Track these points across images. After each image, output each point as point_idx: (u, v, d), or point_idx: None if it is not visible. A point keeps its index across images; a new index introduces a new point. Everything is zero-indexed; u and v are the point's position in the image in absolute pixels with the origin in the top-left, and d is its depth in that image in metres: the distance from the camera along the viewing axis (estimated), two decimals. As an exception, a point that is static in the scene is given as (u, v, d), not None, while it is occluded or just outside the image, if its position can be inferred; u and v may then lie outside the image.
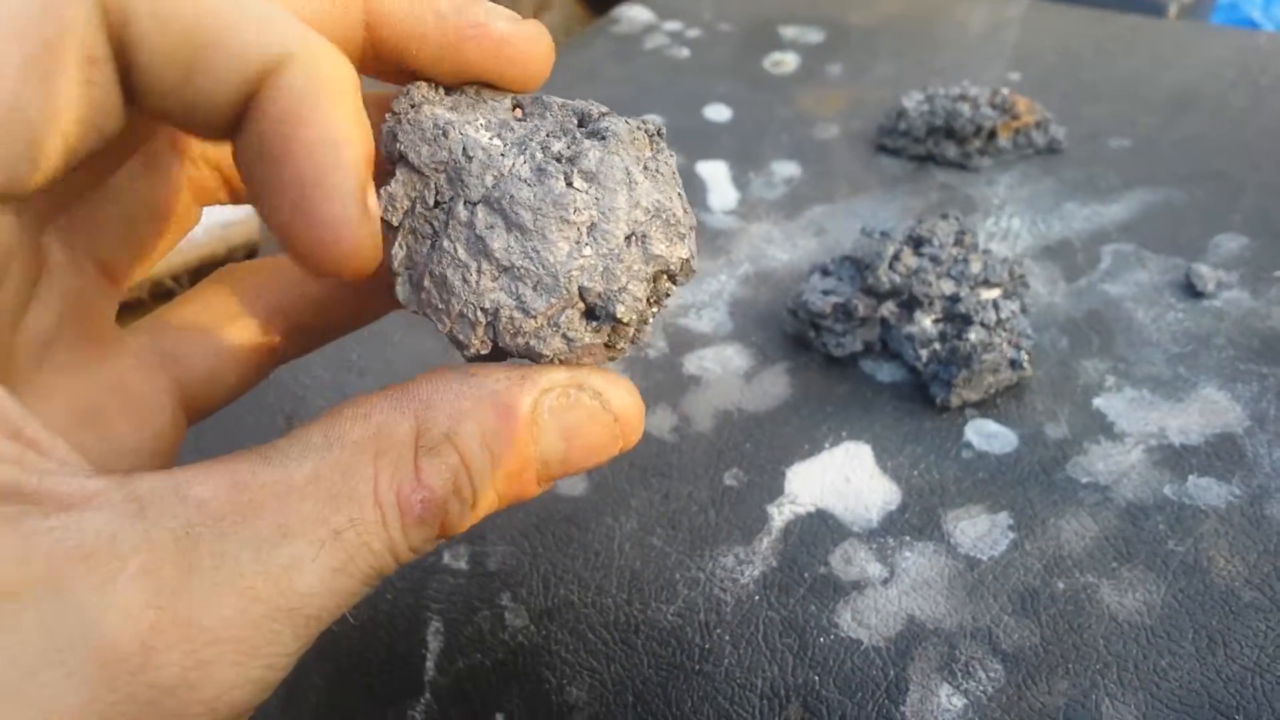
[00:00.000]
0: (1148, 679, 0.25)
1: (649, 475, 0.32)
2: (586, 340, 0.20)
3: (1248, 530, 0.28)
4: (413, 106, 0.20)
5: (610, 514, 0.31)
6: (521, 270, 0.19)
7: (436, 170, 0.19)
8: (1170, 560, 0.27)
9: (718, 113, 0.49)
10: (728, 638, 0.27)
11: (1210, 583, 0.27)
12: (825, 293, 0.35)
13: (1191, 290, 0.37)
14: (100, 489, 0.16)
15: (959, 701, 0.25)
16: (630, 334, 0.20)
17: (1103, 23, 0.55)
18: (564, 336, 0.19)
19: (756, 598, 0.28)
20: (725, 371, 0.35)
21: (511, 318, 0.19)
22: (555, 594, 0.29)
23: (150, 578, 0.15)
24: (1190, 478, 0.29)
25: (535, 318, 0.19)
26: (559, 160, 0.19)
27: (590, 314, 0.19)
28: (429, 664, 0.29)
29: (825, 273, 0.36)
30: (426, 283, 0.19)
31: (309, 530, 0.17)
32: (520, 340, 0.19)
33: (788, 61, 0.53)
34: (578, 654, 0.28)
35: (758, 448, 0.32)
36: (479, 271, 0.19)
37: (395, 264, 0.20)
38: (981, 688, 0.25)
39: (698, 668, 0.27)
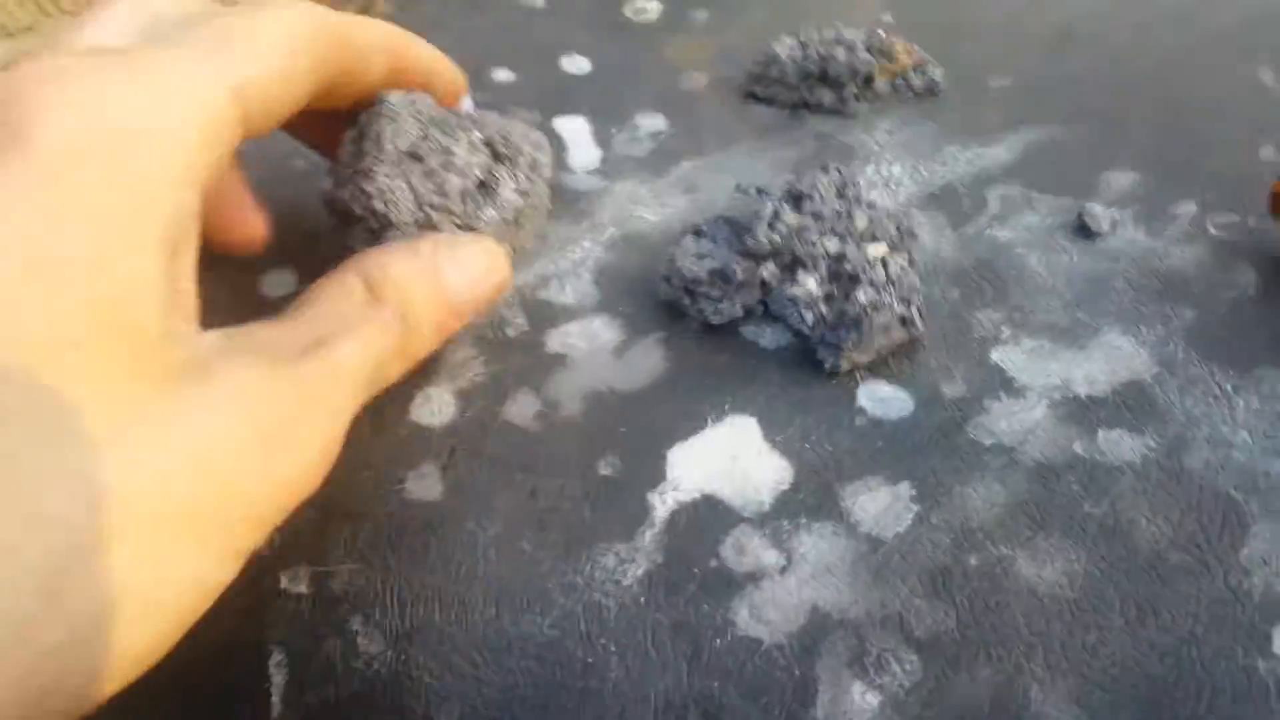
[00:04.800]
0: (1077, 658, 0.22)
1: (513, 470, 0.28)
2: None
3: (1167, 485, 0.26)
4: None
5: (471, 518, 0.27)
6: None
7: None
8: (1088, 524, 0.25)
9: (576, 65, 0.45)
10: (613, 648, 0.24)
11: (1134, 546, 0.24)
12: (700, 257, 0.32)
13: (1085, 231, 0.35)
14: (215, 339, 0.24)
15: (874, 699, 0.23)
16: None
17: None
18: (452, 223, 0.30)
19: (642, 600, 0.25)
20: (593, 347, 0.32)
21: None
22: (414, 613, 0.25)
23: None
24: (1100, 431, 0.27)
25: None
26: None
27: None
28: (275, 700, 0.25)
29: (699, 234, 0.33)
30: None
31: (334, 337, 0.25)
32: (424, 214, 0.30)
33: (650, 9, 0.49)
34: (444, 679, 0.24)
35: (634, 430, 0.29)
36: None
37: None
38: (898, 682, 0.23)
39: (581, 685, 0.24)
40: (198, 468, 0.21)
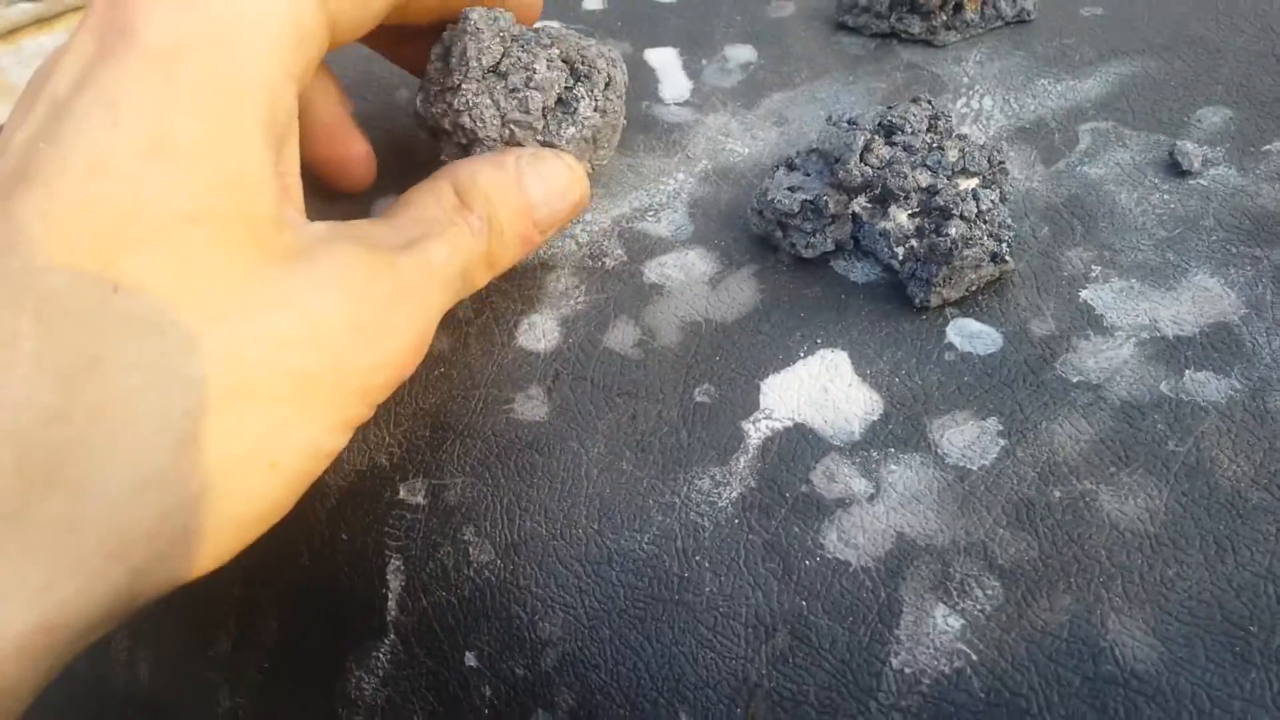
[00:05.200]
0: (1154, 591, 0.24)
1: (614, 395, 0.30)
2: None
3: (1251, 427, 0.26)
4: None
5: (575, 439, 0.29)
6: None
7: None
8: (1171, 462, 0.26)
9: (665, -6, 0.46)
10: (707, 565, 0.26)
11: (1215, 485, 0.25)
12: (791, 189, 0.33)
13: (1176, 169, 0.35)
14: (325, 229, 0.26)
15: (956, 622, 0.24)
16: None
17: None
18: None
19: (736, 521, 0.26)
20: (689, 279, 0.33)
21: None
22: (521, 526, 0.27)
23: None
24: (1187, 372, 0.28)
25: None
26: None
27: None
28: (391, 604, 0.27)
29: (791, 168, 0.34)
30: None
31: (426, 237, 0.27)
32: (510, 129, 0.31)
33: (737, -64, 0.49)
34: (548, 588, 0.26)
35: (728, 360, 0.30)
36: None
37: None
38: (979, 606, 0.24)
39: (677, 598, 0.25)
40: (309, 340, 0.23)
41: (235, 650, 0.30)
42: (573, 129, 0.32)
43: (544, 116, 0.32)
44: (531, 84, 0.31)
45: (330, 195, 0.36)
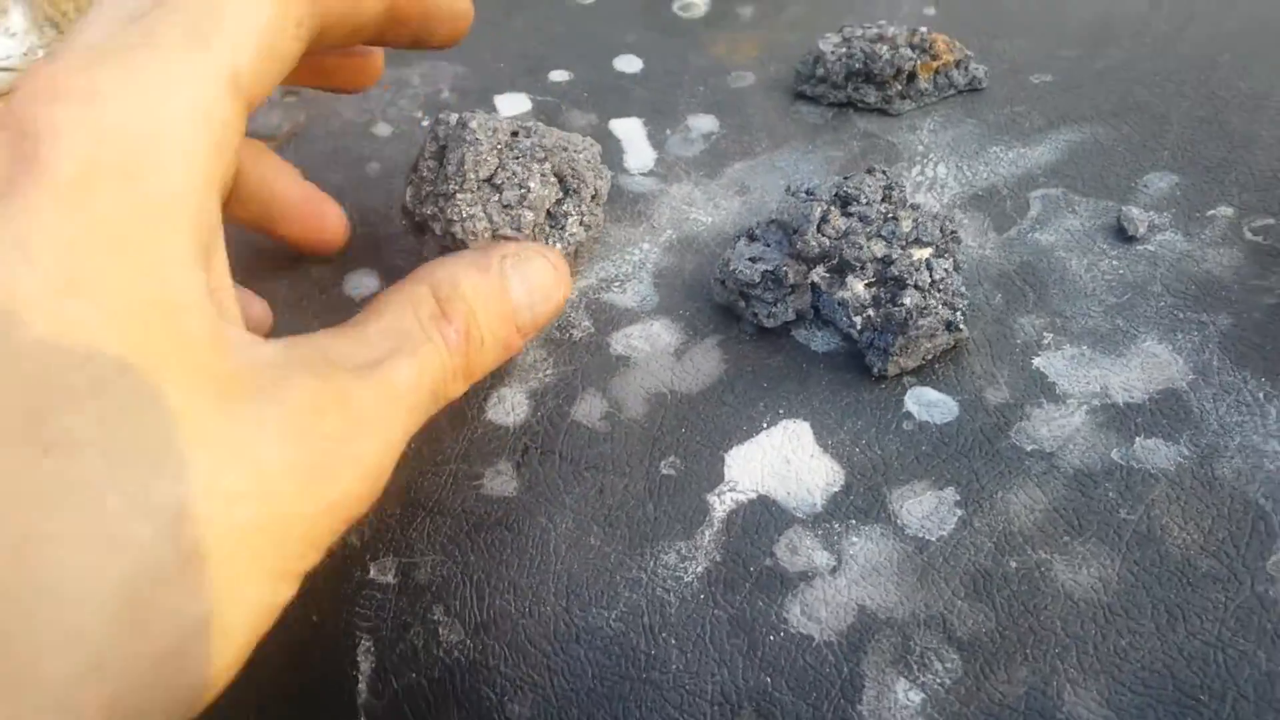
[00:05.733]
0: (1109, 661, 0.24)
1: (582, 469, 0.30)
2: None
3: (1200, 494, 0.27)
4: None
5: (544, 514, 0.29)
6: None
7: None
8: (1123, 530, 0.27)
9: (629, 64, 0.47)
10: (674, 641, 0.26)
11: (1165, 553, 0.26)
12: (753, 260, 0.33)
13: (1124, 234, 0.36)
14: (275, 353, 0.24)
15: (916, 696, 0.24)
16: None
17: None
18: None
19: (702, 596, 0.27)
20: (655, 349, 0.33)
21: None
22: (490, 605, 0.28)
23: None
24: (1137, 439, 0.29)
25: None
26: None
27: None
28: (361, 686, 0.28)
29: (752, 238, 0.34)
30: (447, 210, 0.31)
31: (394, 356, 0.25)
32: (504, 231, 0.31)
33: (698, 4, 0.51)
34: (518, 668, 0.26)
35: (693, 432, 0.31)
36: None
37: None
38: (939, 680, 0.25)
39: (644, 675, 0.26)
40: (257, 490, 0.21)
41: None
42: (559, 245, 0.32)
43: (534, 233, 0.32)
44: (525, 202, 0.31)
45: (301, 262, 0.36)
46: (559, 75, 0.46)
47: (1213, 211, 0.36)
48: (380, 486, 0.25)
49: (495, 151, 0.32)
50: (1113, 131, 0.41)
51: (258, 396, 0.22)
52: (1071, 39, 0.46)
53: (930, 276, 0.32)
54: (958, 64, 0.43)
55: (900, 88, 0.43)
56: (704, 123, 0.43)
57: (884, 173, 0.35)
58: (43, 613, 0.18)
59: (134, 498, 0.19)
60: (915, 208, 0.34)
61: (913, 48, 0.43)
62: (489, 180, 0.31)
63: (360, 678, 0.28)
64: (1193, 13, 0.48)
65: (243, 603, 0.21)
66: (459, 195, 0.31)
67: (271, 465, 0.21)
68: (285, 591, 0.23)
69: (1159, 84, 0.43)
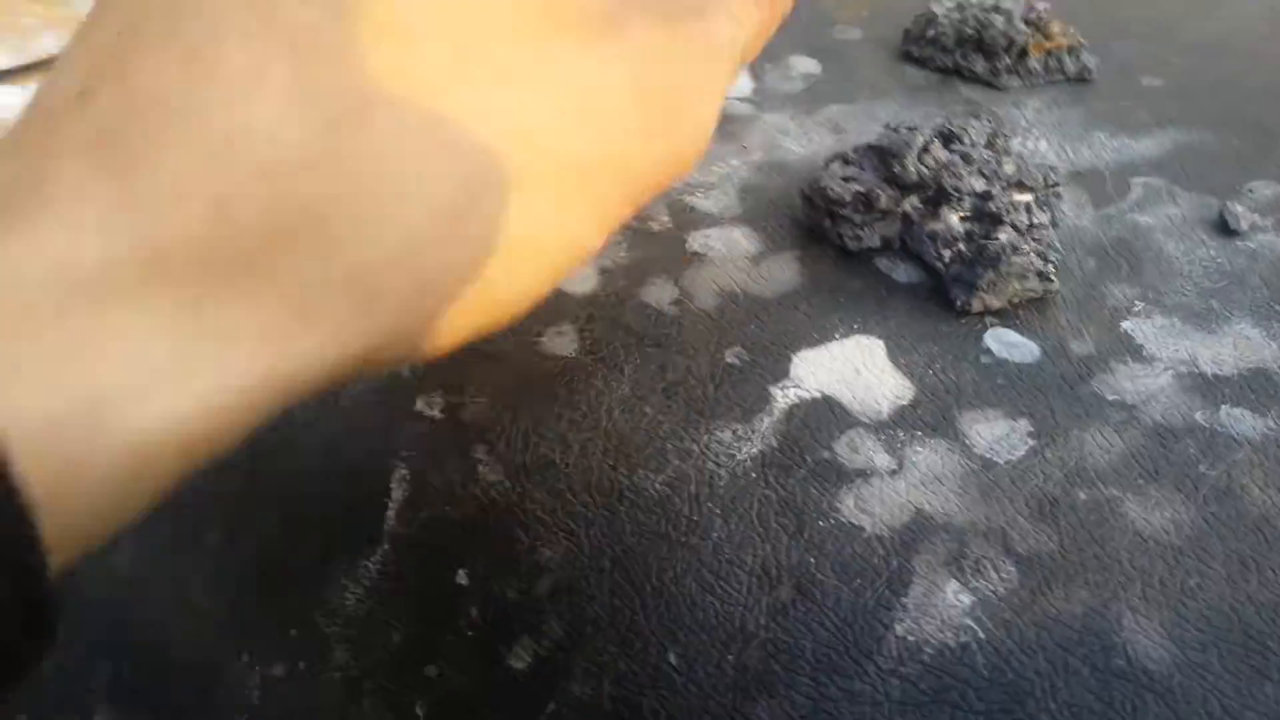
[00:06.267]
0: (1174, 596, 0.23)
1: (645, 343, 0.29)
2: None
3: (1285, 461, 0.26)
4: None
5: (600, 377, 0.28)
6: None
7: None
8: (1201, 483, 0.25)
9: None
10: (719, 512, 0.25)
11: (1243, 509, 0.25)
12: (845, 180, 0.33)
13: (1224, 229, 0.35)
14: None
15: (966, 599, 0.23)
16: None
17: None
18: None
19: (753, 475, 0.26)
20: (731, 252, 0.33)
21: None
22: (535, 451, 0.27)
23: None
24: (1224, 407, 0.28)
25: None
26: None
27: None
28: (390, 513, 0.27)
29: (846, 161, 0.34)
30: None
31: (713, 8, 0.24)
32: None
33: (811, -37, 0.50)
34: (555, 515, 0.25)
35: (763, 330, 0.30)
36: None
37: None
38: (992, 587, 0.23)
39: (684, 539, 0.25)
40: (596, 128, 0.21)
41: (222, 545, 0.29)
42: None
43: None
44: None
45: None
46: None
47: (1317, 224, 0.35)
48: (704, 143, 0.24)
49: None
50: (1220, 139, 0.40)
51: (604, 34, 0.21)
52: (1186, 48, 0.46)
53: (1029, 220, 0.31)
54: (1070, 50, 0.43)
55: (1010, 62, 0.42)
56: (806, 64, 0.42)
57: (990, 119, 0.34)
58: (374, 181, 0.17)
59: (472, 101, 0.19)
60: (1020, 156, 0.33)
61: (1028, 23, 0.42)
62: None
63: (391, 505, 0.27)
64: (1310, 47, 0.47)
65: (560, 232, 0.21)
66: None
67: (611, 105, 0.21)
68: (598, 236, 0.22)
69: (1272, 102, 0.42)
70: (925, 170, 0.31)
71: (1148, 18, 0.48)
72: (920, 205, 0.32)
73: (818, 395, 0.28)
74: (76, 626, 0.30)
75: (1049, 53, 0.42)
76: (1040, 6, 0.43)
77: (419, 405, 0.28)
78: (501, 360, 0.29)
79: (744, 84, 0.41)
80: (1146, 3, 0.49)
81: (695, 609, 0.24)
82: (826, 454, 0.26)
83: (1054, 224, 0.32)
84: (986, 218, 0.31)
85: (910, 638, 0.23)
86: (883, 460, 0.26)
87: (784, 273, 0.32)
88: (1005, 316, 0.31)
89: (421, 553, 0.26)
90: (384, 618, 0.26)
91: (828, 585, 0.24)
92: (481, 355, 0.29)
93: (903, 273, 0.32)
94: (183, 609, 0.29)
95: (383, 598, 0.26)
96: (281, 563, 0.28)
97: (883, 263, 0.33)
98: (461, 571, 0.25)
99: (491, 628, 0.25)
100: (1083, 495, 0.25)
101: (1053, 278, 0.30)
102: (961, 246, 0.31)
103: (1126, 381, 0.28)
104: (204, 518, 0.29)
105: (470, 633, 0.25)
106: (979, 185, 0.31)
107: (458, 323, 0.20)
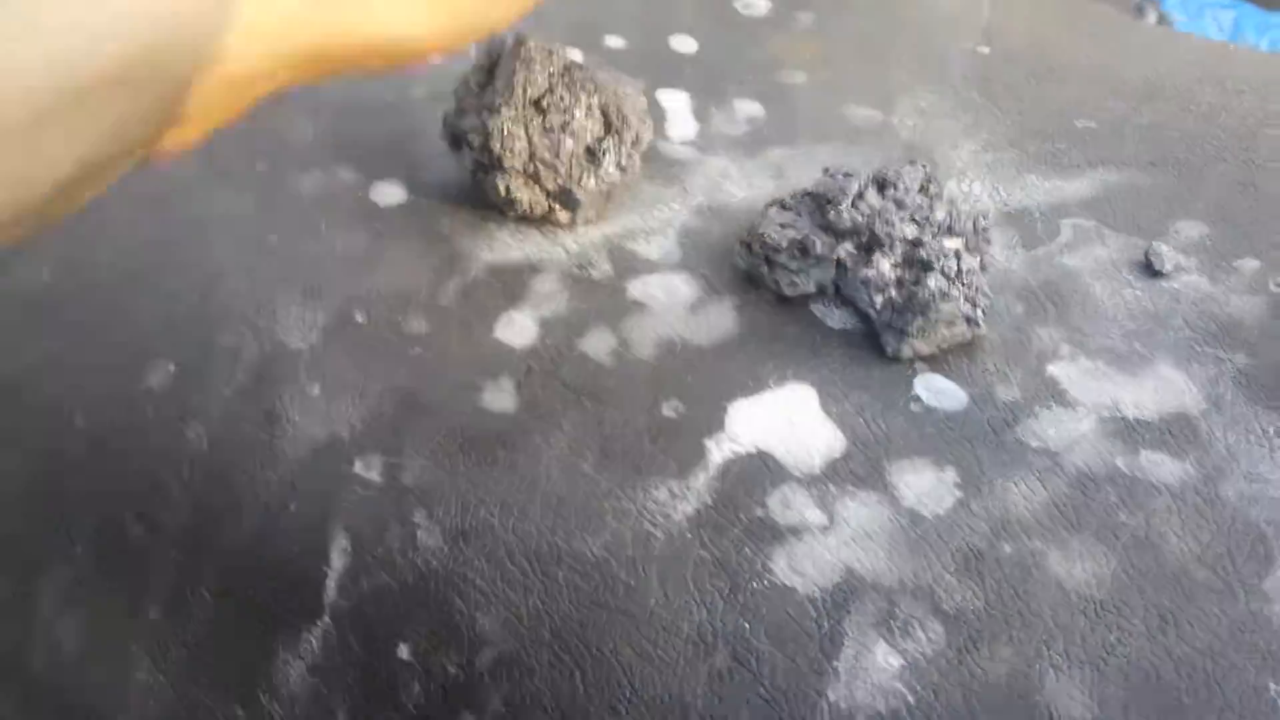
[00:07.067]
0: (1095, 653, 0.24)
1: (583, 397, 0.30)
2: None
3: (1201, 509, 0.27)
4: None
5: (539, 434, 0.29)
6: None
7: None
8: (1121, 533, 0.26)
9: (684, 44, 0.47)
10: (655, 575, 0.26)
11: (1162, 559, 0.26)
12: (783, 226, 0.33)
13: (1149, 270, 0.36)
14: None
15: (895, 661, 0.24)
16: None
17: (1075, 11, 0.54)
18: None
19: (688, 535, 0.26)
20: (671, 301, 0.33)
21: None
22: (474, 515, 0.27)
23: None
24: (1144, 452, 0.28)
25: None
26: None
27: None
28: (330, 584, 0.27)
29: (784, 207, 0.34)
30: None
31: None
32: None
33: (759, 4, 0.51)
34: (493, 583, 0.26)
35: (699, 380, 0.30)
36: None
37: None
38: (920, 648, 0.24)
39: (621, 606, 0.25)
40: None
41: (164, 619, 0.29)
42: (593, 181, 0.33)
43: (570, 163, 0.32)
44: (568, 129, 0.31)
45: (331, 165, 0.36)
46: (614, 41, 0.46)
47: (1239, 262, 0.36)
48: None
49: (547, 75, 0.31)
50: (1149, 180, 0.41)
51: None
52: (1119, 94, 0.46)
53: (957, 266, 0.31)
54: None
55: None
56: (750, 108, 0.43)
57: (924, 166, 0.34)
58: None
59: None
60: (951, 202, 0.33)
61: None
62: (536, 102, 0.31)
63: (330, 575, 0.27)
64: (1242, 89, 0.48)
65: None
66: (504, 110, 0.31)
67: None
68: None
69: (1200, 145, 0.43)
70: (859, 217, 0.32)
71: (1083, 63, 0.49)
72: (854, 251, 0.32)
73: (752, 449, 0.28)
74: (20, 704, 0.30)
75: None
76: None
77: (357, 467, 0.28)
78: (440, 415, 0.29)
79: (688, 128, 0.41)
80: (1081, 49, 0.50)
81: (634, 679, 0.24)
82: (760, 511, 0.27)
83: (983, 268, 0.33)
84: (917, 264, 0.31)
85: (842, 705, 0.23)
86: (814, 516, 0.27)
87: (722, 320, 0.32)
88: (935, 362, 0.31)
89: (363, 626, 0.26)
90: (328, 695, 0.26)
91: (762, 651, 0.24)
92: (420, 410, 0.29)
93: (837, 319, 0.33)
94: (128, 686, 0.29)
95: (326, 675, 0.26)
96: (223, 638, 0.28)
97: (818, 308, 0.33)
98: (403, 646, 0.26)
99: (434, 705, 0.25)
100: (1007, 548, 0.26)
101: (980, 323, 0.31)
102: (893, 293, 0.31)
103: (1050, 428, 0.29)
104: (142, 589, 0.29)
105: (412, 709, 0.25)
106: (910, 232, 0.32)
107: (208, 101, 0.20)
